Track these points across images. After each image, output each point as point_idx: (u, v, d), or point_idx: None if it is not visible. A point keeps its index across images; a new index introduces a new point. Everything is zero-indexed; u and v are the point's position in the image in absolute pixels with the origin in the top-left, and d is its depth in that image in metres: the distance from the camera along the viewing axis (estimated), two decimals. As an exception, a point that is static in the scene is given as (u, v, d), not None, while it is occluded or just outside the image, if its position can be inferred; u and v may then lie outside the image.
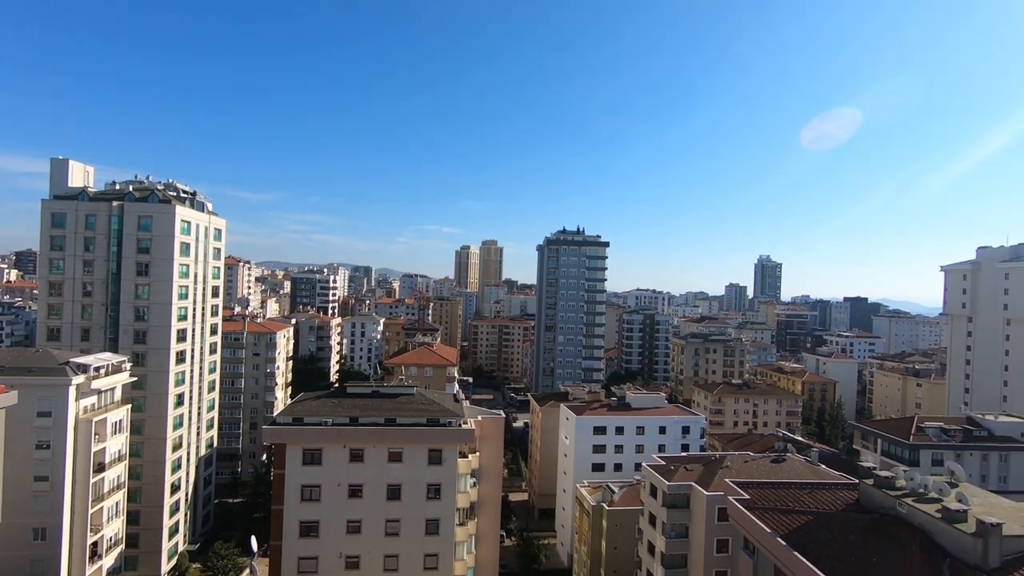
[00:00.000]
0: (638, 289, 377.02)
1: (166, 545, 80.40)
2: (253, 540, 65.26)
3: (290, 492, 55.10)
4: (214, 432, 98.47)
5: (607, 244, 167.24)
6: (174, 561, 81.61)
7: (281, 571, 54.63)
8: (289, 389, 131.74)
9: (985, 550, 31.26)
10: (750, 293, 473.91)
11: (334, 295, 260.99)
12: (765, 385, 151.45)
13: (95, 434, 61.22)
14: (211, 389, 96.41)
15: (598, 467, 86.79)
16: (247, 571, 75.19)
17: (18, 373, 57.16)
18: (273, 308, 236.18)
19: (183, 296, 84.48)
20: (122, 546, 67.75)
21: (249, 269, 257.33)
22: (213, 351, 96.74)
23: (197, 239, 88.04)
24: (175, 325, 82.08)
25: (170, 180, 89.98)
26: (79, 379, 59.82)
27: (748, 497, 45.82)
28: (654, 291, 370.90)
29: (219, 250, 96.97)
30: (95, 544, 61.82)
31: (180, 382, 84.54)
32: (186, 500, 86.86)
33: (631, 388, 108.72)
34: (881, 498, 39.96)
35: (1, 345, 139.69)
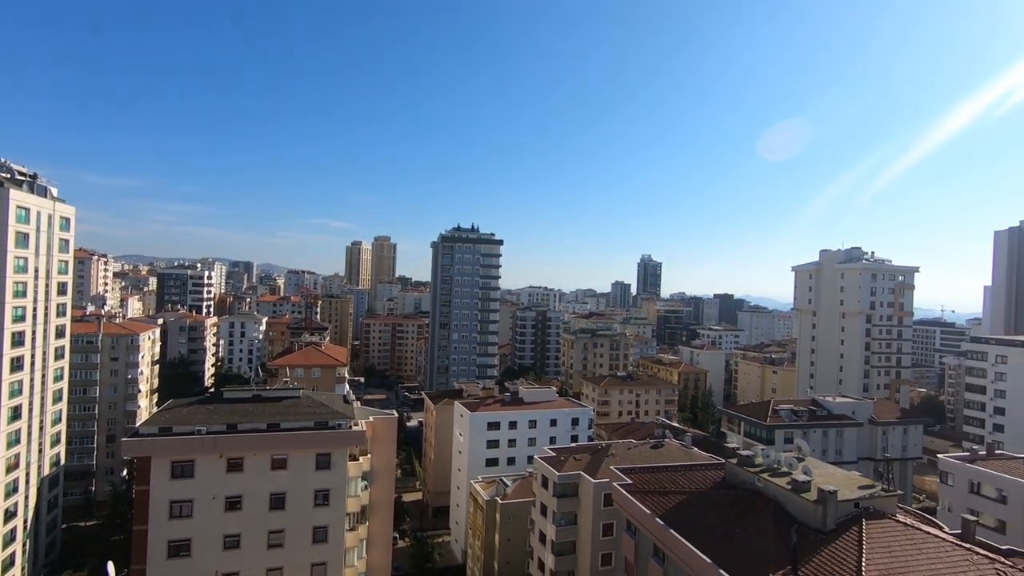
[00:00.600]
0: (531, 286, 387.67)
1: (-2, 582, 69.80)
2: (110, 566, 58.17)
3: (156, 509, 50.15)
4: (60, 448, 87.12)
5: (501, 242, 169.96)
6: (10, 599, 71.05)
7: (145, 597, 49.54)
8: (155, 396, 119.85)
9: (824, 514, 36.02)
10: (634, 290, 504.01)
11: (209, 292, 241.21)
12: (647, 376, 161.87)
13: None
14: (57, 399, 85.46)
15: (492, 462, 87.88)
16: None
17: None
18: (136, 307, 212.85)
19: (19, 294, 73.91)
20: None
21: (106, 263, 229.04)
22: (60, 356, 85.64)
23: (38, 229, 77.14)
24: (9, 327, 71.56)
25: (3, 160, 77.95)
26: None
27: (631, 482, 49.04)
28: (546, 288, 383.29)
29: (67, 241, 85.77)
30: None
31: (16, 393, 73.89)
32: (24, 528, 75.84)
33: (524, 383, 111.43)
34: (743, 475, 44.55)
35: None
